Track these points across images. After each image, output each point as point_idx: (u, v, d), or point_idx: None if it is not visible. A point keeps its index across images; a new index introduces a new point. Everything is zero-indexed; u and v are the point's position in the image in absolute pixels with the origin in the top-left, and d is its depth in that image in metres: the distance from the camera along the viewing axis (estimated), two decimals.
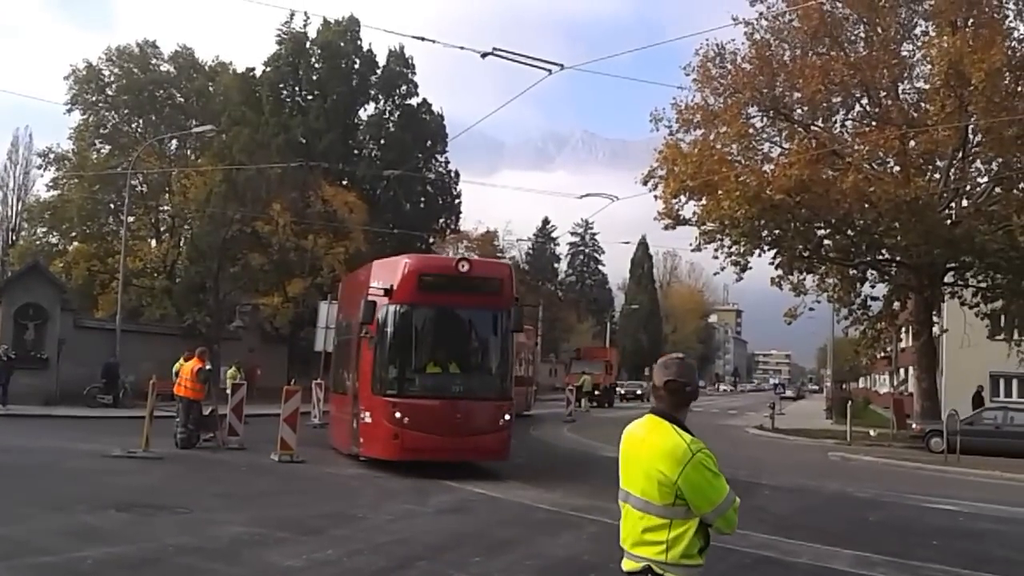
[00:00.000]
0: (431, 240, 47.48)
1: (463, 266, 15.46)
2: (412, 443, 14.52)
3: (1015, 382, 38.74)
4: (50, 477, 13.08)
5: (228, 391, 19.59)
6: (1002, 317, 32.36)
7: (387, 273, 15.72)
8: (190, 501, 11.17)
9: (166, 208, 44.86)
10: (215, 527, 9.61)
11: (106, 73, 45.19)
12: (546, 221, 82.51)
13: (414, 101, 47.99)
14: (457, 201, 49.89)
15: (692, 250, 31.67)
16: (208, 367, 18.43)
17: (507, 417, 15.45)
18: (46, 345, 29.13)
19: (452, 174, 49.78)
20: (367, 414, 15.13)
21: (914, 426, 28.46)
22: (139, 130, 45.68)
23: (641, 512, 3.57)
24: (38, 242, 46.68)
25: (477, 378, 15.92)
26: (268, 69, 45.44)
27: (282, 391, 16.91)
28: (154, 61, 46.34)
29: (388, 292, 15.05)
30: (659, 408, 3.71)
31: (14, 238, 49.29)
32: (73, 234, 45.30)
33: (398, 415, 14.57)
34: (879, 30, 29.64)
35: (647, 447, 3.62)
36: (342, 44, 45.95)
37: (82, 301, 38.91)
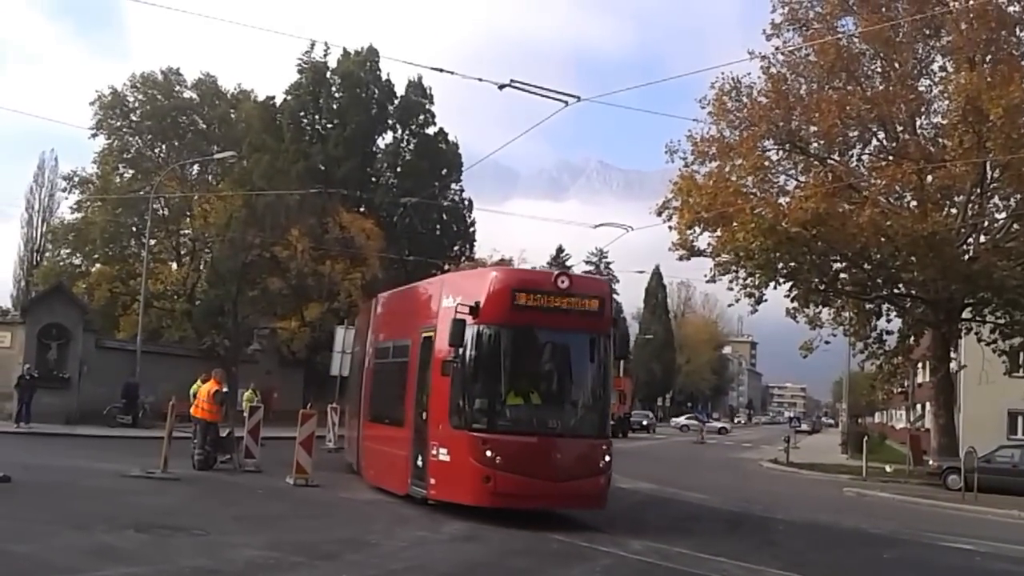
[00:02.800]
0: (446, 267, 47.69)
1: (562, 282, 13.32)
2: (506, 487, 12.42)
3: None
4: (70, 496, 13.17)
5: (245, 413, 19.65)
6: (1020, 354, 32.14)
7: (470, 288, 13.70)
8: (207, 523, 11.23)
9: (187, 232, 45.36)
10: (231, 550, 9.65)
11: (130, 99, 45.95)
12: (560, 250, 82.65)
13: (431, 130, 48.43)
14: (472, 229, 50.13)
15: (707, 281, 31.69)
16: (225, 389, 18.58)
17: (607, 459, 13.49)
18: (68, 365, 29.46)
19: (467, 202, 50.12)
20: (442, 451, 13.08)
21: (931, 463, 28.30)
22: (162, 155, 46.36)
23: None
24: (62, 263, 47.24)
25: (576, 412, 13.86)
26: (289, 98, 45.99)
27: (298, 415, 17.00)
28: (177, 88, 47.09)
29: (473, 310, 12.92)
30: None
31: (38, 259, 49.93)
32: (96, 256, 45.83)
33: (489, 453, 12.50)
34: (896, 65, 29.77)
35: None
36: (362, 74, 46.48)
37: (104, 322, 39.30)
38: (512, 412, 13.25)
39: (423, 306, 15.26)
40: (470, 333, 12.99)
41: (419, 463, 13.75)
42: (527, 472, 12.53)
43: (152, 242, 39.74)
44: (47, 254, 49.56)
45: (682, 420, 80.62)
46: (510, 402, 13.31)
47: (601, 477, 13.29)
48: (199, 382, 19.20)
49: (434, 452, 13.25)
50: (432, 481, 13.35)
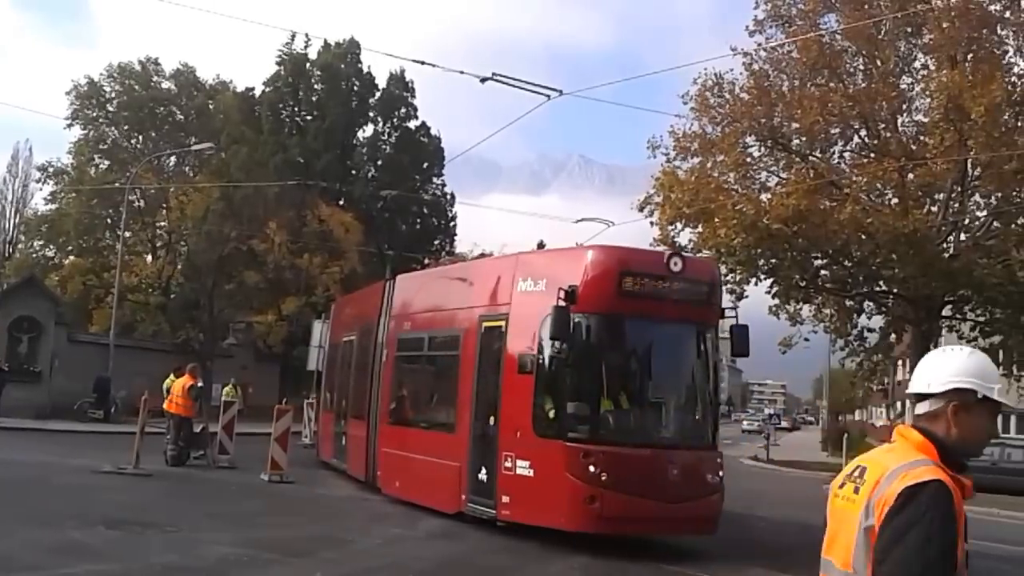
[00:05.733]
0: (426, 261, 47.49)
1: (675, 263, 11.21)
2: (615, 509, 10.37)
3: (1013, 418, 38.64)
4: (39, 492, 12.93)
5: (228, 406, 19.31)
6: (1000, 352, 32.32)
7: (560, 269, 11.52)
8: (179, 519, 11.05)
9: (163, 224, 44.90)
10: (203, 546, 9.50)
11: (107, 89, 45.51)
12: (541, 244, 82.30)
13: (413, 124, 48.25)
14: (453, 223, 49.99)
15: None
16: (200, 384, 18.31)
17: (721, 474, 11.50)
18: (39, 358, 29.06)
19: (448, 196, 49.93)
20: (521, 463, 11.04)
21: None
22: (138, 146, 45.91)
23: None
24: (34, 255, 46.84)
25: (688, 419, 12.09)
26: (268, 89, 45.66)
27: (274, 410, 16.74)
28: (155, 79, 46.69)
29: (569, 296, 10.71)
30: None
31: (11, 251, 49.23)
32: (69, 248, 45.42)
33: (593, 469, 10.40)
34: (878, 63, 29.82)
35: None
36: (342, 66, 46.20)
37: (76, 315, 38.84)
38: (618, 419, 11.35)
39: (483, 290, 13.04)
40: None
41: (481, 477, 11.71)
42: (639, 491, 10.49)
43: (127, 234, 39.23)
44: (20, 246, 48.86)
45: None
46: (615, 407, 11.36)
47: (716, 496, 11.31)
48: (173, 376, 18.93)
49: (508, 464, 11.17)
50: (505, 499, 11.26)
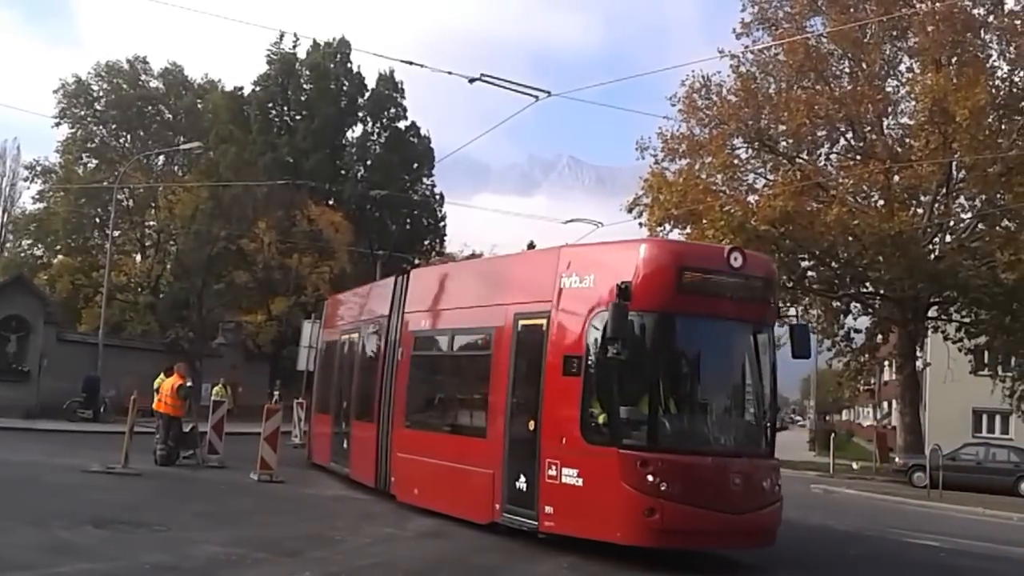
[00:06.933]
0: (416, 262, 47.48)
1: (735, 259, 10.47)
2: (677, 522, 9.66)
3: (998, 418, 38.97)
4: (28, 491, 12.88)
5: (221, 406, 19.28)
6: (986, 353, 32.60)
7: (611, 263, 10.71)
8: (168, 519, 11.00)
9: (152, 224, 44.71)
10: (192, 546, 9.47)
11: (95, 88, 45.30)
12: (531, 245, 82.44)
13: (402, 124, 48.16)
14: (442, 223, 49.93)
15: None
16: (189, 383, 18.30)
17: (779, 484, 10.89)
18: (28, 358, 28.97)
19: (438, 196, 49.91)
20: (568, 471, 10.29)
21: (897, 460, 28.61)
22: (127, 145, 45.75)
23: None
24: (23, 254, 46.59)
25: (747, 425, 11.27)
26: (257, 88, 45.47)
27: (263, 409, 16.73)
28: (143, 77, 46.52)
29: (623, 293, 9.96)
30: None
31: None
32: (58, 247, 45.21)
33: (651, 478, 9.66)
34: (864, 66, 30.05)
35: None
36: (331, 66, 46.08)
37: (65, 314, 38.65)
38: (676, 424, 10.68)
39: (518, 285, 12.16)
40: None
41: (520, 485, 10.95)
42: (701, 502, 9.79)
43: (116, 233, 39.10)
44: (8, 244, 48.72)
45: None
46: (674, 412, 10.78)
47: (776, 506, 10.66)
48: (162, 376, 18.90)
49: (552, 473, 10.43)
50: (549, 510, 10.51)
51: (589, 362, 10.31)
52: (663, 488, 9.60)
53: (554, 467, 10.41)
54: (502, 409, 11.47)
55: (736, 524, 9.97)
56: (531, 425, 10.89)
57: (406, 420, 14.01)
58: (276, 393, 26.66)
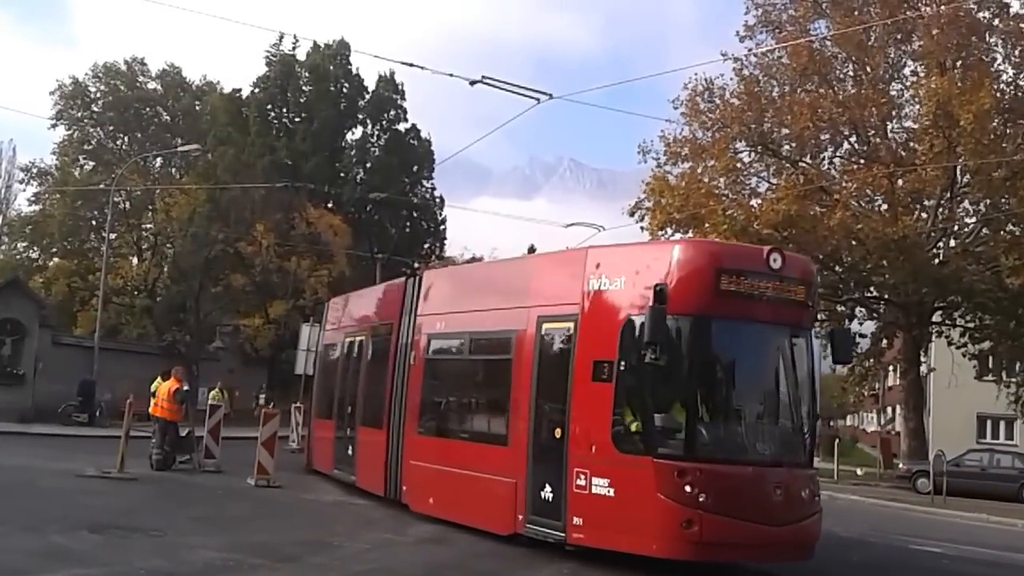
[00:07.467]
0: (416, 265, 47.33)
1: (775, 260, 10.04)
2: (716, 534, 9.27)
3: (1002, 424, 38.84)
4: (23, 496, 12.72)
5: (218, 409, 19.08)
6: (990, 358, 32.47)
7: (643, 264, 10.32)
8: (164, 524, 10.86)
9: (149, 226, 44.64)
10: (189, 551, 9.35)
11: (92, 89, 45.26)
12: (532, 249, 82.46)
13: (402, 126, 48.09)
14: (442, 227, 49.84)
15: None
16: (186, 387, 18.09)
17: (819, 495, 10.51)
18: (23, 361, 28.73)
19: (438, 199, 49.81)
20: (599, 481, 9.86)
21: (901, 466, 28.42)
22: (124, 147, 45.72)
23: None
24: (18, 257, 46.52)
25: (787, 434, 10.74)
26: (256, 90, 45.42)
27: (260, 414, 16.52)
28: (141, 79, 46.50)
29: (659, 296, 9.53)
30: None
31: None
32: (54, 250, 45.11)
33: (689, 489, 9.27)
34: (868, 69, 29.96)
35: None
36: (331, 68, 46.06)
37: (61, 318, 38.54)
38: (714, 433, 10.24)
39: (542, 287, 11.71)
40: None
41: (545, 495, 10.53)
42: (742, 514, 9.40)
43: (112, 236, 38.92)
44: (3, 247, 48.51)
45: None
46: (711, 419, 10.34)
47: (816, 517, 10.23)
48: (159, 380, 18.68)
49: (581, 482, 10.00)
50: (577, 521, 10.06)
51: (621, 367, 9.88)
52: (701, 499, 9.23)
53: (583, 476, 9.99)
54: (525, 415, 11.04)
55: (776, 536, 9.61)
56: (557, 432, 10.47)
57: (419, 426, 13.49)
58: (262, 396, 26.33)
